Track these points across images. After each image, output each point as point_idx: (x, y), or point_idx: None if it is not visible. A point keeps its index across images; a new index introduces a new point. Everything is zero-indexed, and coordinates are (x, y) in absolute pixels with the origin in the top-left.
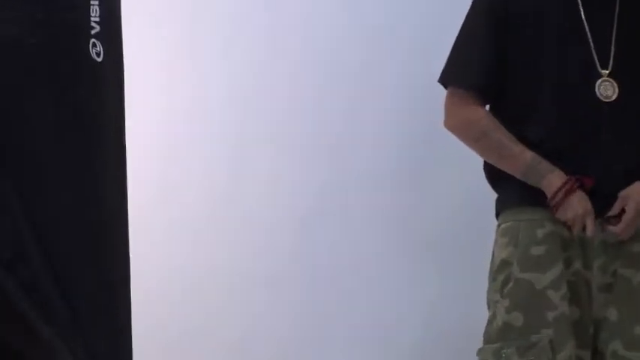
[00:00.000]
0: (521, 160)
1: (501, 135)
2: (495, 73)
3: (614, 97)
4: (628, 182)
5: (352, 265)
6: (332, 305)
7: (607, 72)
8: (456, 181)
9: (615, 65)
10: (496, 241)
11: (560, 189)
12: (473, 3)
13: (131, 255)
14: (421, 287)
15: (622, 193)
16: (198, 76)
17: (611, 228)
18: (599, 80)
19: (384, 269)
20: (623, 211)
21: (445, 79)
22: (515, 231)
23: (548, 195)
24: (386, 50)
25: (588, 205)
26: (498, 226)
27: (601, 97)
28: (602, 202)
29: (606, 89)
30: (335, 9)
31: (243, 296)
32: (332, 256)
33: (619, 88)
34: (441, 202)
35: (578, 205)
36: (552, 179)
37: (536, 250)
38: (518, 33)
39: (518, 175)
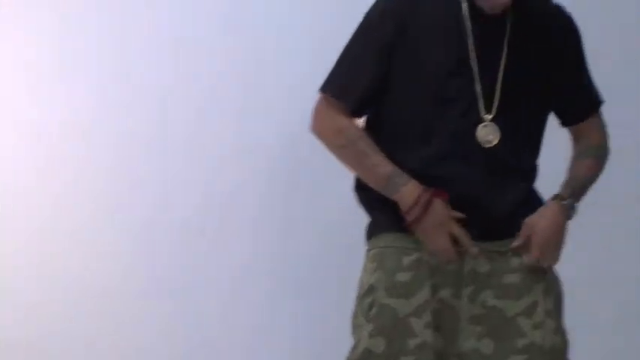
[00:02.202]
0: (380, 171)
1: (366, 145)
2: (372, 92)
3: (494, 142)
4: (506, 223)
5: (230, 277)
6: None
7: (490, 116)
8: (338, 194)
9: (499, 109)
10: (365, 266)
11: (415, 204)
12: (367, 17)
13: None
14: (294, 298)
15: (527, 220)
16: (67, 86)
17: (526, 258)
18: (481, 125)
19: (270, 280)
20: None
21: (324, 87)
22: (383, 257)
23: (403, 209)
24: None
25: (448, 213)
26: (368, 251)
27: (481, 142)
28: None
29: (487, 134)
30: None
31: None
32: (210, 268)
33: (501, 132)
34: (321, 219)
35: (439, 214)
36: (406, 192)
37: (402, 277)
38: (406, 60)
39: (378, 188)
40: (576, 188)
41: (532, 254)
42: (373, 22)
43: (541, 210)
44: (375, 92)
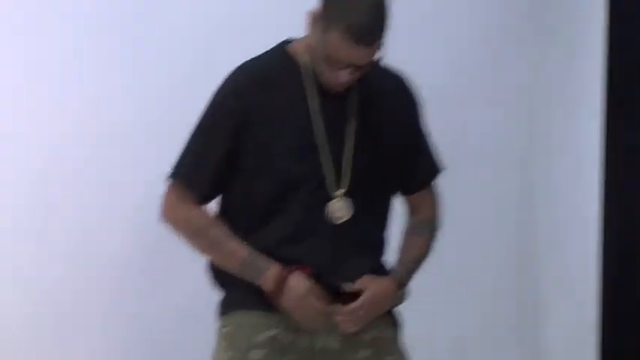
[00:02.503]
0: (238, 255)
1: (218, 232)
2: (220, 177)
3: (345, 218)
4: (355, 295)
5: None
6: None
7: (342, 191)
8: None
9: (350, 185)
10: (218, 344)
11: (278, 287)
12: (213, 101)
13: None
14: None
15: (365, 278)
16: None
17: (338, 318)
18: (333, 201)
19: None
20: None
21: (173, 174)
22: (236, 335)
23: (266, 291)
24: None
25: (307, 283)
26: (221, 328)
27: (332, 219)
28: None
29: (338, 210)
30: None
31: None
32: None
33: (354, 206)
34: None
35: (296, 286)
36: (268, 277)
37: (255, 355)
38: (255, 142)
39: (236, 272)
40: (409, 269)
41: (355, 307)
42: (220, 106)
43: (380, 278)
44: (225, 176)
